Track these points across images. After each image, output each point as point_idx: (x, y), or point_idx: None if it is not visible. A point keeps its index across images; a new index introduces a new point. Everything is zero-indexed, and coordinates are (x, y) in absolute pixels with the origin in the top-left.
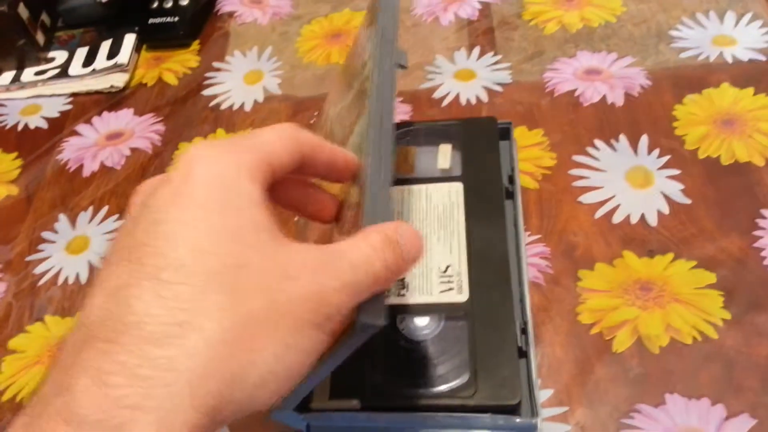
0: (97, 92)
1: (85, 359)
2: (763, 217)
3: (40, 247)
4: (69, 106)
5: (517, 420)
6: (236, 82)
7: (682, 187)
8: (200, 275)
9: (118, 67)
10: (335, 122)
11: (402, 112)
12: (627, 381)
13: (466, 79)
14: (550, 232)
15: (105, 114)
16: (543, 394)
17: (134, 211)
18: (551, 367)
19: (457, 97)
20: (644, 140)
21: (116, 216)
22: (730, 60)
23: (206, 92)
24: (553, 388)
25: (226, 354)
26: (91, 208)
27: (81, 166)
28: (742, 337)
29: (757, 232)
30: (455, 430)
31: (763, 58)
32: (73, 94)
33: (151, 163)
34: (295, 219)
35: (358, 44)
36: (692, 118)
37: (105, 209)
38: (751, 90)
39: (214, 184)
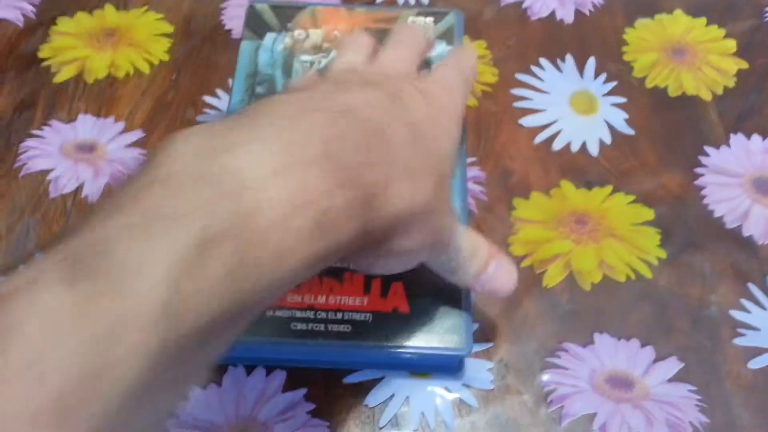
0: None
1: None
2: (706, 155)
3: None
4: None
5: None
6: None
7: (626, 116)
8: None
9: None
10: None
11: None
12: (555, 318)
13: None
14: (486, 156)
15: None
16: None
17: None
18: (478, 299)
19: None
20: (591, 63)
21: None
22: None
23: None
24: (479, 323)
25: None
26: None
27: None
28: (676, 277)
29: (698, 170)
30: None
31: None
32: None
33: (22, 39)
34: None
35: None
36: (642, 44)
37: None
38: (703, 20)
39: None
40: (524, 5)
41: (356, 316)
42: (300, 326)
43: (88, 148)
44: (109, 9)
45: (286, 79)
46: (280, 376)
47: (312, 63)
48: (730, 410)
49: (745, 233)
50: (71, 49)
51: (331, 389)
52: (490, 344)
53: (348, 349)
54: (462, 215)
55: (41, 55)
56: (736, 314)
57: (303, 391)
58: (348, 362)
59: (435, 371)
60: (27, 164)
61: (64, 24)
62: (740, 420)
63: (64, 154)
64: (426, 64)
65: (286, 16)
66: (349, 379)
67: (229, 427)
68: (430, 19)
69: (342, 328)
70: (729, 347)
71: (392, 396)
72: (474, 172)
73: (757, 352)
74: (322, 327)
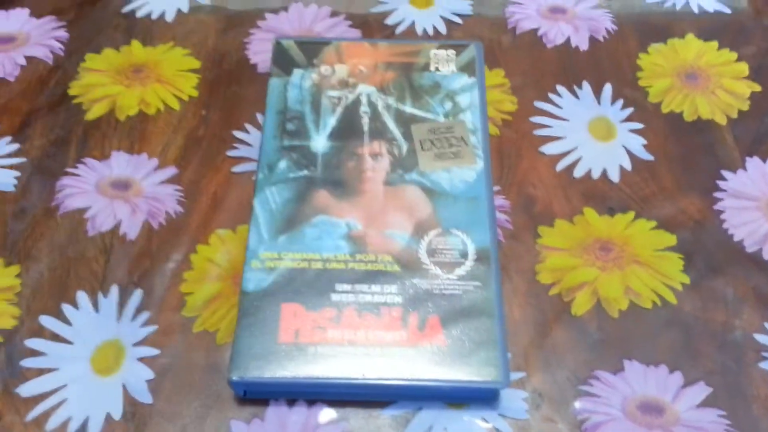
0: None
1: None
2: (723, 179)
3: None
4: None
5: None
6: None
7: (644, 142)
8: None
9: None
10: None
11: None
12: (585, 346)
13: (422, 6)
14: (509, 184)
15: None
16: None
17: None
18: (509, 329)
19: (413, 25)
20: (608, 89)
21: (9, 138)
22: (696, 10)
23: None
24: (510, 352)
25: None
26: None
27: None
28: (700, 302)
29: (717, 194)
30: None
31: (728, 10)
32: None
33: (52, 76)
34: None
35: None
36: (656, 69)
37: None
38: (715, 44)
39: None
40: (539, 33)
41: (395, 351)
42: (342, 362)
43: (123, 186)
44: (135, 45)
45: (314, 115)
46: (321, 409)
47: (339, 98)
48: None
49: (765, 257)
50: (101, 86)
51: (371, 421)
52: (523, 374)
53: (388, 382)
54: (492, 247)
55: (71, 92)
56: (760, 338)
57: (344, 424)
58: (387, 395)
59: (471, 402)
60: (64, 203)
61: (92, 60)
62: None
63: (100, 191)
64: (449, 97)
65: (311, 52)
66: (388, 411)
67: None
68: (451, 52)
69: (382, 362)
70: (755, 371)
71: (431, 427)
72: (498, 200)
73: None
74: (363, 362)
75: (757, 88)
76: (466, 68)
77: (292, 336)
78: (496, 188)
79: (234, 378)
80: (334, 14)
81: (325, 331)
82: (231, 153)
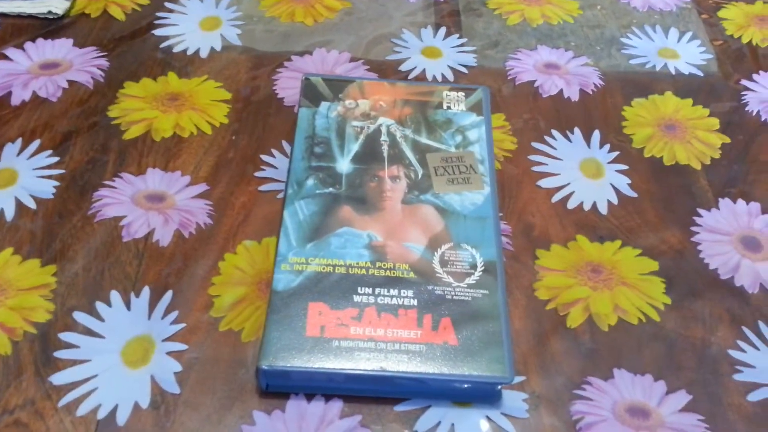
0: (30, 16)
1: None
2: (699, 215)
3: None
4: None
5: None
6: (191, 26)
7: (629, 181)
8: None
9: None
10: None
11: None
12: (579, 354)
13: (432, 57)
14: (511, 212)
15: (40, 41)
16: None
17: None
18: (511, 338)
19: (424, 72)
20: (596, 135)
21: (49, 152)
22: (673, 71)
23: (158, 32)
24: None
25: None
26: (20, 140)
27: (9, 93)
28: (681, 321)
29: (694, 228)
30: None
31: (701, 73)
32: (2, 15)
33: (92, 99)
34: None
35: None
36: (639, 120)
37: (36, 143)
38: (690, 101)
39: None
40: (536, 84)
41: (411, 347)
42: (363, 355)
43: (158, 199)
44: (172, 76)
45: (339, 141)
46: (337, 404)
47: (362, 128)
48: None
49: (737, 283)
50: (138, 110)
51: (383, 416)
52: (524, 378)
53: (405, 374)
54: (498, 260)
55: (110, 114)
56: (734, 353)
57: (358, 417)
58: (402, 390)
59: (477, 400)
60: (101, 211)
61: (130, 88)
62: None
63: (135, 203)
64: (459, 131)
65: (337, 88)
66: (399, 408)
67: None
68: (461, 94)
69: (399, 357)
70: (730, 381)
71: (439, 423)
72: (501, 225)
73: (755, 386)
74: (382, 356)
75: (727, 139)
76: (474, 108)
77: (317, 331)
78: (499, 214)
79: (263, 366)
80: (353, 59)
81: (347, 327)
82: (258, 174)
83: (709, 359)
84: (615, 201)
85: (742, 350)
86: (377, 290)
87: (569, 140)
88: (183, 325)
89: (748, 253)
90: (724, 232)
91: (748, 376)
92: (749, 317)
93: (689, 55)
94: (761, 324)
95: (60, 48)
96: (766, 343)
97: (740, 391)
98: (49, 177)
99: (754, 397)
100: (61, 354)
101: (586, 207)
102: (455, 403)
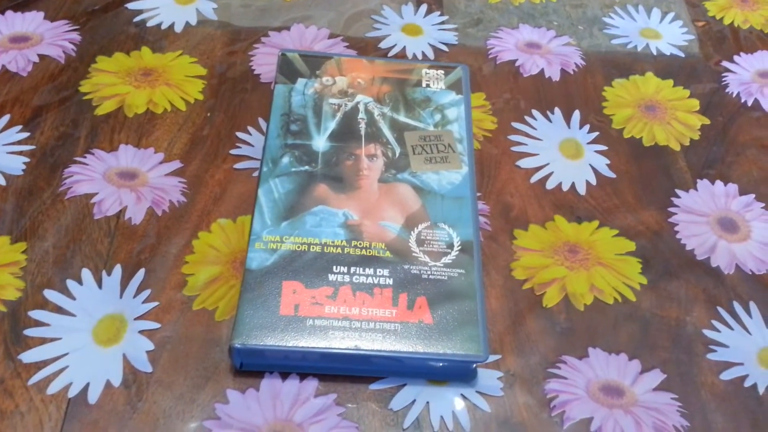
0: None
1: None
2: (677, 196)
3: None
4: None
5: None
6: (165, 0)
7: (608, 161)
8: None
9: None
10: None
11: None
12: (554, 334)
13: (413, 34)
14: (489, 192)
15: (9, 13)
16: None
17: None
18: (487, 318)
19: (404, 50)
20: (576, 115)
21: (19, 126)
22: (654, 52)
23: (131, 5)
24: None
25: None
26: None
27: None
28: (657, 300)
29: (671, 209)
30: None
31: (682, 54)
32: None
33: (63, 73)
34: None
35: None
36: (619, 101)
37: (6, 118)
38: (671, 82)
39: None
40: (517, 63)
41: (386, 326)
42: (337, 334)
43: (129, 176)
44: (145, 51)
45: (316, 119)
46: (312, 383)
47: (339, 105)
48: (706, 415)
49: (713, 264)
50: (111, 85)
51: (358, 394)
52: (499, 356)
53: (379, 353)
54: (475, 240)
55: (82, 89)
56: (709, 333)
57: (333, 396)
58: (377, 369)
59: (452, 379)
60: (72, 188)
61: (103, 62)
62: (716, 424)
63: (107, 180)
64: (438, 110)
65: (314, 64)
66: (375, 386)
67: (268, 428)
68: (440, 72)
69: (374, 336)
70: (703, 361)
71: (414, 401)
72: (479, 205)
73: (727, 365)
74: (356, 335)
75: (707, 121)
76: (454, 86)
77: (291, 310)
78: (477, 194)
79: (237, 345)
80: (332, 36)
81: (322, 306)
82: (233, 151)
83: (683, 339)
84: (593, 181)
85: (717, 330)
86: (353, 269)
87: (549, 120)
88: (156, 303)
89: (725, 234)
90: (702, 213)
91: (721, 355)
92: (724, 298)
93: (671, 35)
94: (736, 304)
95: (30, 21)
96: (741, 323)
97: (713, 371)
98: (19, 153)
99: (726, 375)
100: (31, 332)
101: (565, 187)
102: (430, 381)
